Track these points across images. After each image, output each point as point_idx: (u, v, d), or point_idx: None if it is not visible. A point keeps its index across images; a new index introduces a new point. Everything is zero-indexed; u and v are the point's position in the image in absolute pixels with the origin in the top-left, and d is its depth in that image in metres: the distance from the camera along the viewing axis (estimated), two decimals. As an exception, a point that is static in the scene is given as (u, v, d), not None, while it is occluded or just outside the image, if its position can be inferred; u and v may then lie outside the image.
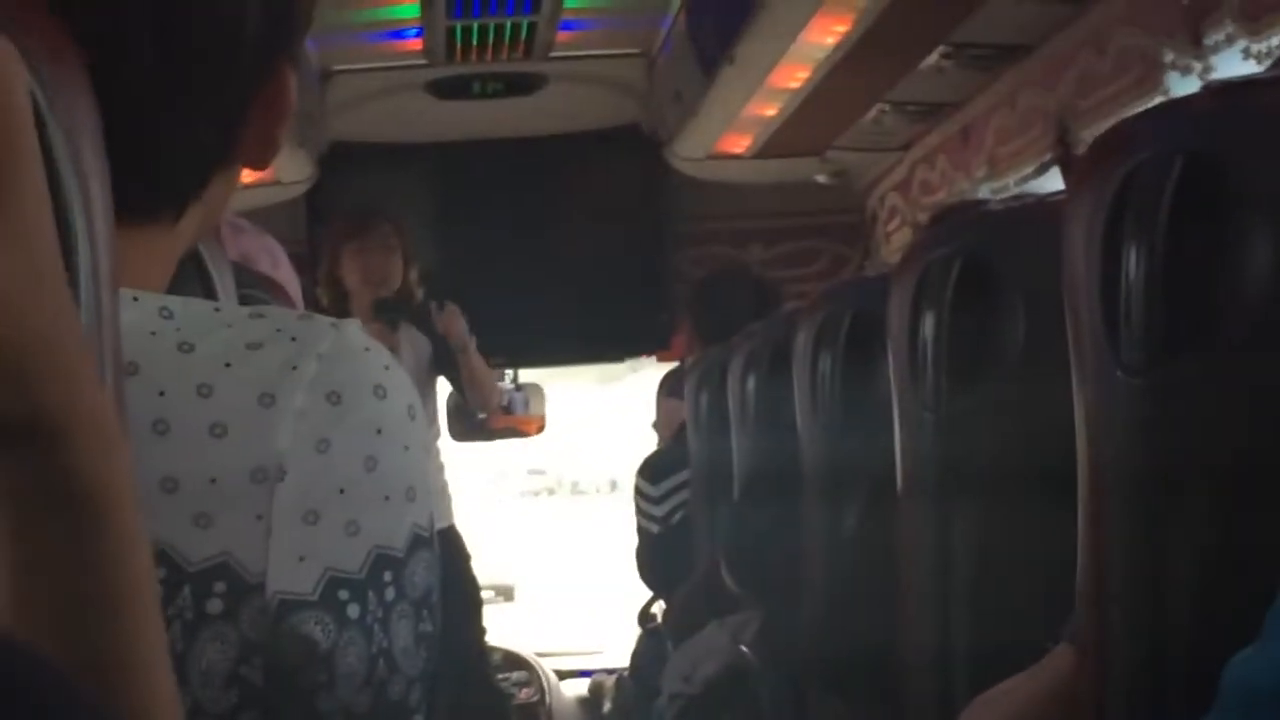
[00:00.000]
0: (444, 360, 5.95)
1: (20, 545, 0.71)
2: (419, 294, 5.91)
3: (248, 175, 4.56)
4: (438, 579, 1.11)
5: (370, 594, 1.04)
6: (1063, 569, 1.72)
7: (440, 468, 6.11)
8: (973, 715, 1.92)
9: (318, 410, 1.03)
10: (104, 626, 0.73)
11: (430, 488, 1.11)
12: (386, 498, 1.06)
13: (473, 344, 5.91)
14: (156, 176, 1.11)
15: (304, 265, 5.95)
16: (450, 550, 5.95)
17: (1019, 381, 2.16)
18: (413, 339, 5.90)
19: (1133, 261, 1.55)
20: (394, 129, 7.05)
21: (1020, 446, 2.13)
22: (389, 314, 5.73)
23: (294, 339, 1.05)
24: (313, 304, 5.63)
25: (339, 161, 6.98)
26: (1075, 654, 1.70)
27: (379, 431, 1.06)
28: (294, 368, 1.04)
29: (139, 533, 0.75)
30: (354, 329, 1.09)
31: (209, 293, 1.53)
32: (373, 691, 1.05)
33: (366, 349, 1.08)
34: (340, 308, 5.79)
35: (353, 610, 1.03)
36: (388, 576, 1.05)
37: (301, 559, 1.02)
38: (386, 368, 1.09)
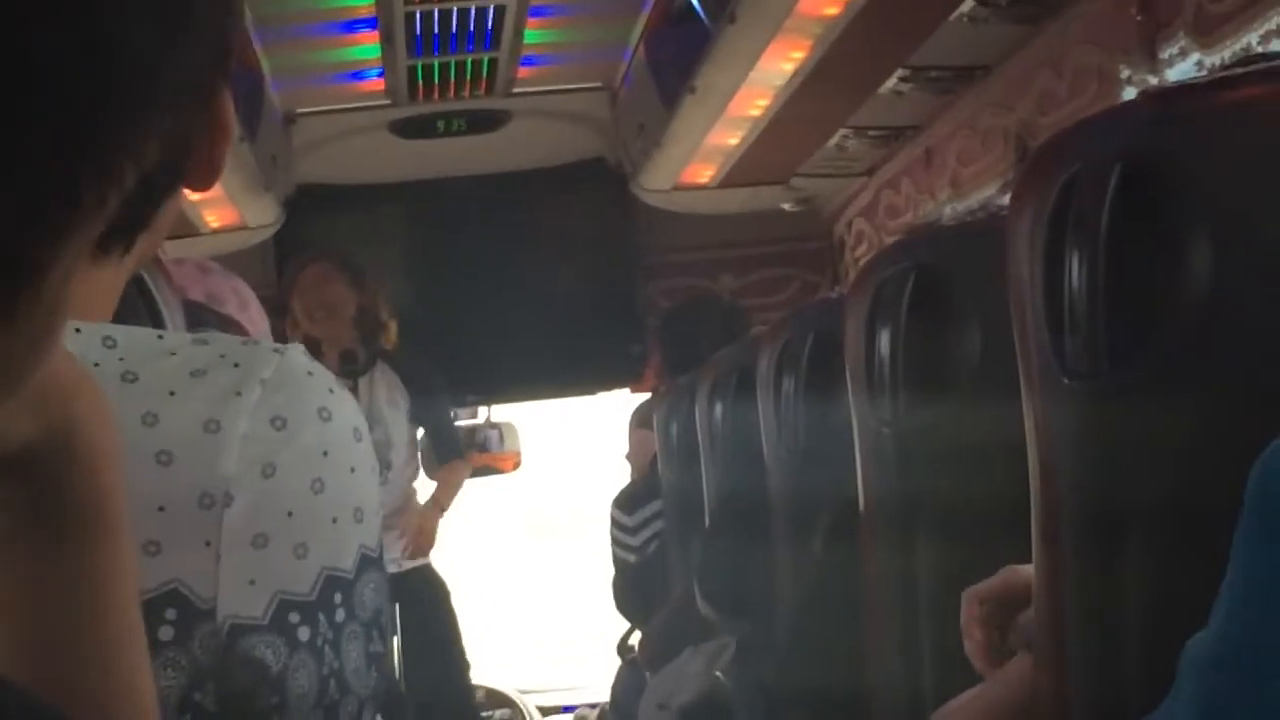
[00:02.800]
0: (419, 410, 5.97)
1: (18, 560, 0.72)
2: (392, 327, 5.92)
3: (216, 221, 4.54)
4: (386, 599, 1.11)
5: (320, 616, 1.04)
6: (1023, 581, 1.73)
7: (416, 506, 6.11)
8: (935, 727, 1.92)
9: (263, 435, 1.03)
10: (93, 638, 0.74)
11: (377, 509, 1.11)
12: (334, 519, 1.06)
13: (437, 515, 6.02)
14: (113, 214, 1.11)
15: (273, 308, 5.96)
16: (429, 586, 5.96)
17: (976, 396, 2.16)
18: (386, 377, 5.90)
19: (1075, 268, 1.56)
20: (360, 170, 7.05)
21: (979, 462, 2.13)
22: (351, 366, 5.75)
23: (237, 365, 1.05)
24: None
25: (306, 204, 6.99)
26: (1031, 660, 1.70)
27: (325, 454, 1.06)
28: (238, 393, 1.04)
29: (130, 549, 0.76)
30: (297, 353, 1.09)
31: (157, 324, 1.53)
32: (324, 713, 1.05)
33: (309, 373, 1.09)
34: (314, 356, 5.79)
35: (303, 632, 1.03)
36: (338, 598, 1.05)
37: (252, 583, 1.02)
38: (331, 391, 1.09)
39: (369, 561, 1.09)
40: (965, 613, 1.82)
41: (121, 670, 0.75)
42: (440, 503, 6.09)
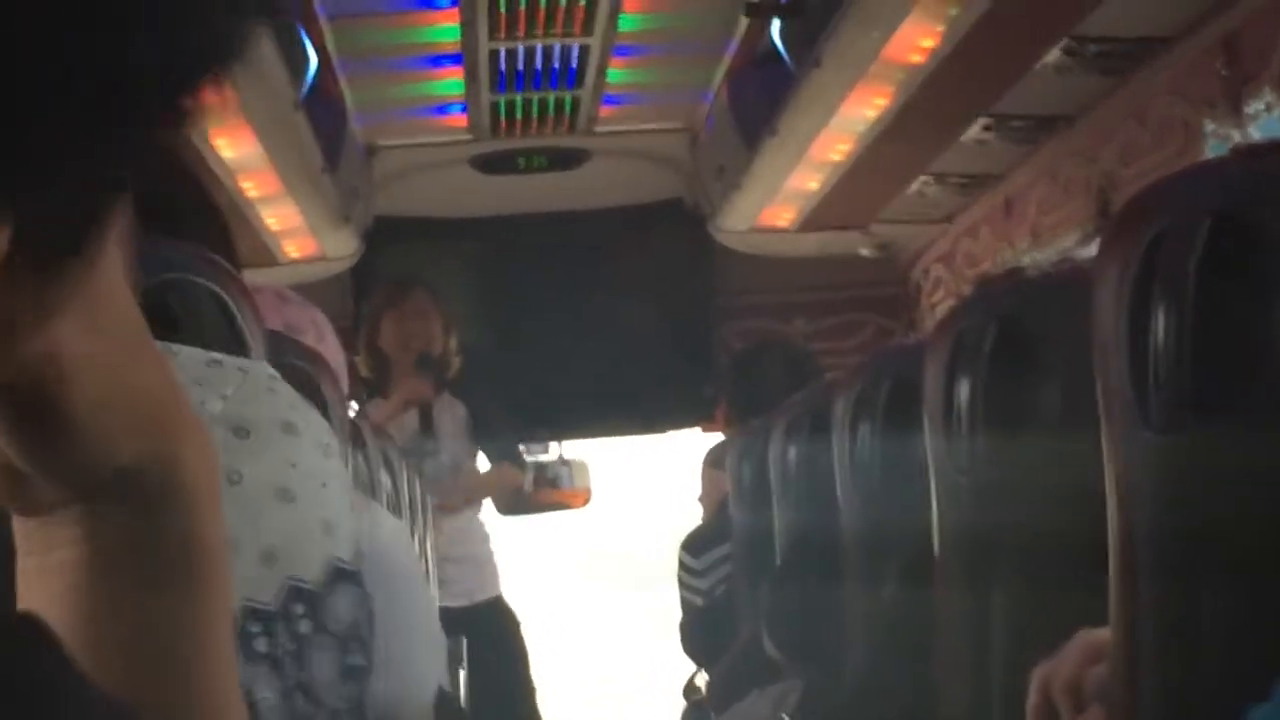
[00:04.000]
0: (482, 433, 5.98)
1: (111, 591, 0.73)
2: (457, 362, 5.95)
3: (295, 251, 4.58)
4: (368, 613, 1.10)
5: (280, 626, 1.04)
6: (1099, 634, 1.72)
7: (486, 537, 6.13)
8: (1007, 779, 1.92)
9: (226, 443, 1.04)
10: (182, 677, 0.74)
11: (351, 524, 1.11)
12: (304, 530, 1.06)
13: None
14: None
15: (350, 339, 6.01)
16: (500, 620, 5.97)
17: (1055, 447, 2.16)
18: (452, 406, 5.93)
19: (1161, 323, 1.55)
20: (439, 204, 7.09)
21: (1056, 512, 2.12)
22: (429, 369, 5.77)
23: (199, 384, 1.06)
24: (354, 375, 5.68)
25: (384, 237, 7.03)
26: (1106, 713, 1.69)
27: (293, 466, 1.06)
28: (201, 403, 1.04)
29: (226, 592, 0.77)
30: (262, 371, 1.10)
31: (242, 352, 1.55)
32: None
33: (271, 390, 1.09)
34: (382, 376, 5.84)
35: (260, 644, 1.03)
36: (299, 609, 1.05)
37: None
38: (293, 406, 1.09)
39: (343, 574, 1.08)
40: (1035, 697, 1.80)
41: (208, 709, 0.75)
42: (465, 483, 6.00)
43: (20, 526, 0.74)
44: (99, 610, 0.72)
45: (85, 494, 0.72)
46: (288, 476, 1.06)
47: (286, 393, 1.10)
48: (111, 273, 0.70)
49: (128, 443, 0.72)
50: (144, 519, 0.73)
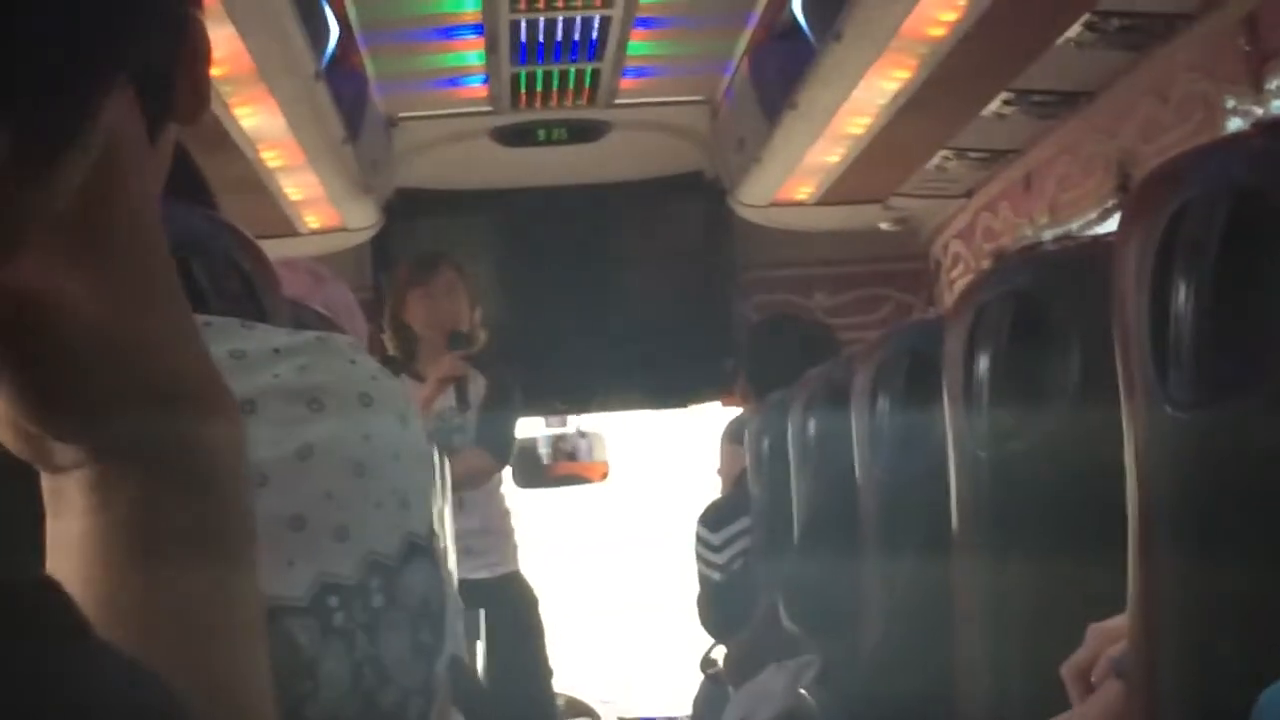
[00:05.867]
0: (492, 405, 5.95)
1: (129, 569, 0.72)
2: (483, 336, 5.93)
3: (316, 222, 4.53)
4: (440, 590, 1.09)
5: (357, 601, 1.03)
6: (1116, 607, 1.72)
7: (507, 512, 6.12)
8: (1024, 752, 1.92)
9: (298, 417, 1.03)
10: (219, 652, 0.74)
11: (428, 498, 1.10)
12: (378, 504, 1.05)
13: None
14: None
15: (370, 310, 6.00)
16: (517, 594, 5.97)
17: (1073, 421, 2.16)
18: (475, 380, 5.92)
19: (1182, 298, 1.55)
20: (459, 176, 7.08)
21: (1075, 486, 2.12)
22: (462, 345, 5.74)
23: (276, 350, 1.05)
24: (378, 350, 5.67)
25: (405, 208, 7.02)
26: (1124, 688, 1.69)
27: (366, 438, 1.05)
28: (275, 376, 1.04)
29: (251, 569, 0.76)
30: (341, 342, 1.09)
31: (260, 316, 1.54)
32: (362, 699, 1.03)
33: (352, 360, 1.08)
34: (408, 352, 5.82)
35: (339, 618, 1.02)
36: (375, 584, 1.04)
37: (291, 564, 1.01)
38: (374, 377, 1.08)
39: (417, 549, 1.07)
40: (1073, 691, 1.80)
41: (226, 685, 0.75)
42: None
43: (47, 484, 0.72)
44: (112, 581, 0.71)
45: (95, 455, 0.71)
46: (361, 450, 1.04)
47: (366, 362, 1.09)
48: (133, 204, 0.68)
49: (138, 404, 0.70)
50: (160, 492, 0.72)
